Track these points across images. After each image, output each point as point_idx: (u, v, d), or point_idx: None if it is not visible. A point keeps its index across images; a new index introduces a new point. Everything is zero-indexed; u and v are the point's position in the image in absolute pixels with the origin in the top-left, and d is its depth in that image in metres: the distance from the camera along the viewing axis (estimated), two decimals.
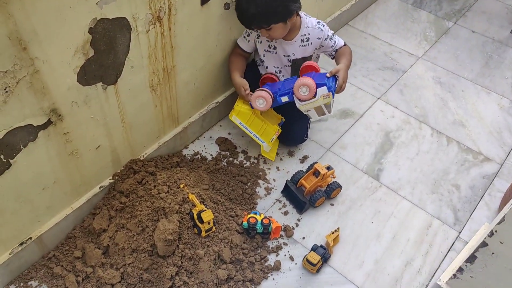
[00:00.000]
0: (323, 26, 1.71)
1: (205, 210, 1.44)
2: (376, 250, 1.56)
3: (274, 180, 1.75)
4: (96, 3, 1.16)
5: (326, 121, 1.98)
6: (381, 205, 1.69)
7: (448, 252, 1.57)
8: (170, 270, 1.38)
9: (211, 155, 1.81)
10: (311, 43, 1.71)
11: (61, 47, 1.14)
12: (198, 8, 1.48)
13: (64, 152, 1.33)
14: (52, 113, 1.22)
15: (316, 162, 1.70)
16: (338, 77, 1.63)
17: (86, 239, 1.48)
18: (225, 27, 1.67)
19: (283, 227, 1.59)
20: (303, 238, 1.57)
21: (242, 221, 1.53)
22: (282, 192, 1.71)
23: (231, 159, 1.81)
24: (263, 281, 1.45)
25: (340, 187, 1.68)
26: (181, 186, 1.50)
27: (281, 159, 1.82)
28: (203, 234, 1.45)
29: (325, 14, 2.33)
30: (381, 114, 2.04)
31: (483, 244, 1.16)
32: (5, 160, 1.17)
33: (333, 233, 1.56)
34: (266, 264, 1.49)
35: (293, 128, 1.81)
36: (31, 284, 1.39)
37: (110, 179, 1.57)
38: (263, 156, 1.77)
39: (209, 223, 1.44)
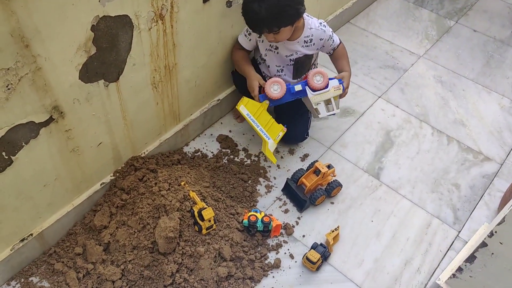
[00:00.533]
0: (325, 26, 1.71)
1: (206, 207, 1.44)
2: (376, 248, 1.57)
3: (274, 178, 1.75)
4: (99, 1, 1.16)
5: (327, 120, 1.98)
6: (381, 204, 1.70)
7: (447, 251, 1.57)
8: (170, 267, 1.38)
9: (212, 152, 1.82)
10: (314, 44, 1.71)
11: (63, 45, 1.14)
12: (200, 5, 1.48)
13: (65, 149, 1.34)
14: (54, 110, 1.22)
15: (316, 161, 1.70)
16: (343, 82, 1.68)
17: (87, 236, 1.49)
18: (227, 25, 1.67)
19: (283, 225, 1.60)
20: (303, 236, 1.58)
21: (243, 219, 1.53)
22: (282, 190, 1.71)
23: (232, 156, 1.81)
24: (263, 279, 1.46)
25: (340, 185, 1.68)
26: (182, 183, 1.51)
27: (281, 157, 1.83)
28: (204, 231, 1.45)
29: (327, 12, 2.33)
30: (382, 113, 2.04)
31: (483, 244, 1.17)
32: (6, 157, 1.17)
33: (333, 231, 1.56)
34: (266, 262, 1.50)
35: (294, 126, 1.81)
36: (32, 280, 1.39)
37: (111, 176, 1.58)
38: (264, 154, 1.76)
39: (209, 221, 1.44)
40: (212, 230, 1.48)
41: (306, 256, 1.47)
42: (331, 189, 1.66)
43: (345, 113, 2.03)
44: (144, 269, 1.39)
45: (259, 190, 1.70)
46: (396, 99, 2.12)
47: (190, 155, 1.79)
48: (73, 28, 1.14)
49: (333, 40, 1.75)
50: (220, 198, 1.58)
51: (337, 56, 1.78)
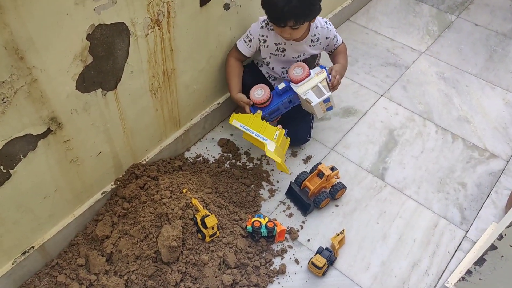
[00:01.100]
0: (330, 25, 1.69)
1: (209, 215, 1.42)
2: (382, 251, 1.55)
3: (277, 181, 1.73)
4: (94, 9, 1.13)
5: (330, 120, 1.95)
6: (387, 205, 1.68)
7: (455, 252, 1.55)
8: (174, 277, 1.36)
9: (214, 157, 1.79)
10: (320, 43, 1.69)
11: (59, 55, 1.12)
12: (198, 9, 1.46)
13: (64, 160, 1.32)
14: (52, 122, 1.20)
15: (320, 163, 1.67)
16: (327, 68, 1.66)
17: (89, 246, 1.47)
18: (225, 28, 1.64)
19: (287, 229, 1.58)
20: (308, 240, 1.56)
21: (246, 225, 1.51)
22: (286, 194, 1.69)
23: (233, 161, 1.79)
24: (269, 285, 1.44)
25: (344, 187, 1.66)
26: (184, 191, 1.48)
27: (284, 160, 1.80)
28: (207, 239, 1.43)
29: (327, 10, 2.30)
30: (384, 112, 2.02)
31: (492, 247, 1.15)
32: (5, 171, 1.15)
33: (338, 235, 1.54)
34: (272, 268, 1.48)
35: (296, 128, 1.78)
36: None
37: (112, 185, 1.56)
38: (268, 157, 1.74)
39: (213, 228, 1.42)
40: (216, 237, 1.46)
41: (312, 261, 1.45)
42: (335, 192, 1.64)
43: (347, 113, 2.00)
44: (148, 279, 1.37)
45: (262, 194, 1.68)
46: (399, 97, 2.09)
47: (191, 160, 1.77)
48: (69, 38, 1.12)
49: (337, 40, 1.73)
50: (223, 204, 1.56)
51: (336, 52, 1.76)
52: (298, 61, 1.72)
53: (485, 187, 1.75)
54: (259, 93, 1.64)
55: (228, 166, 1.77)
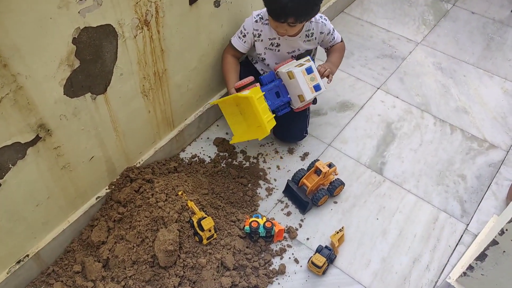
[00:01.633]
0: (326, 20, 1.66)
1: (205, 217, 1.40)
2: (383, 247, 1.53)
3: (275, 179, 1.71)
4: (78, 12, 1.10)
5: (326, 115, 1.92)
6: (386, 200, 1.65)
7: (456, 246, 1.53)
8: (172, 281, 1.34)
9: (209, 157, 1.77)
10: (315, 38, 1.66)
11: (44, 61, 1.09)
12: (187, 8, 1.43)
13: (56, 166, 1.29)
14: (40, 129, 1.18)
15: (317, 160, 1.65)
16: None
17: (85, 252, 1.45)
18: (217, 26, 1.61)
19: (286, 229, 1.56)
20: (307, 239, 1.54)
21: (244, 225, 1.49)
22: (283, 192, 1.66)
23: (230, 160, 1.76)
24: (268, 286, 1.42)
25: (343, 184, 1.64)
26: (180, 193, 1.46)
27: (281, 157, 1.78)
28: (205, 241, 1.41)
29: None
30: (381, 105, 1.99)
31: (494, 242, 1.12)
32: None
33: (337, 232, 1.52)
34: (271, 268, 1.46)
35: (292, 124, 1.76)
36: None
37: (106, 189, 1.53)
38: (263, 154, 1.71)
39: (210, 230, 1.40)
40: (213, 239, 1.44)
41: (311, 261, 1.43)
42: (334, 189, 1.62)
43: (343, 107, 1.97)
44: (146, 284, 1.35)
45: (259, 193, 1.66)
46: (396, 89, 2.06)
47: (187, 161, 1.75)
48: (54, 43, 1.09)
49: (334, 37, 1.70)
50: (220, 206, 1.54)
51: (332, 49, 1.73)
52: (293, 56, 1.69)
53: (485, 179, 1.73)
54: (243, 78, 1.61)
55: (224, 165, 1.74)
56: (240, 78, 1.70)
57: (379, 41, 2.30)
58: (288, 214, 1.61)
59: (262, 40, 1.65)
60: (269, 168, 1.74)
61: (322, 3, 1.51)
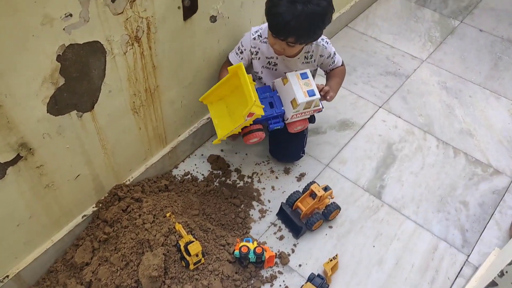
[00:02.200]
0: (327, 43, 1.60)
1: (193, 241, 1.34)
2: (379, 277, 1.46)
3: (269, 201, 1.65)
4: (63, 29, 1.06)
5: (325, 134, 1.86)
6: (383, 226, 1.59)
7: (456, 278, 1.46)
8: None
9: (203, 174, 1.72)
10: (314, 60, 1.60)
11: (26, 79, 1.04)
12: (181, 24, 1.38)
13: (38, 185, 1.24)
14: (21, 148, 1.13)
15: (313, 182, 1.59)
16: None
17: (68, 273, 1.40)
18: (213, 41, 1.56)
19: (277, 253, 1.50)
20: (300, 265, 1.48)
21: (234, 250, 1.43)
22: (277, 214, 1.61)
23: (223, 178, 1.71)
24: None
25: (339, 208, 1.58)
26: (168, 215, 1.41)
27: (276, 177, 1.72)
28: (191, 266, 1.36)
29: None
30: (383, 125, 1.93)
31: (493, 283, 1.06)
32: None
33: (331, 260, 1.46)
34: None
35: (289, 143, 1.70)
36: None
37: (93, 207, 1.48)
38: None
39: (197, 255, 1.35)
40: (201, 264, 1.38)
41: None
42: (329, 213, 1.55)
43: (343, 126, 1.91)
44: None
45: (252, 215, 1.60)
46: (398, 108, 2.00)
47: (179, 178, 1.69)
48: (36, 60, 1.04)
49: (334, 61, 1.64)
50: (210, 228, 1.48)
51: (332, 74, 1.68)
52: None
53: (488, 207, 1.66)
54: (255, 140, 1.56)
55: (217, 184, 1.69)
56: None
57: (383, 57, 2.24)
58: (281, 238, 1.55)
59: (259, 58, 1.60)
60: (264, 188, 1.68)
61: (325, 28, 1.45)
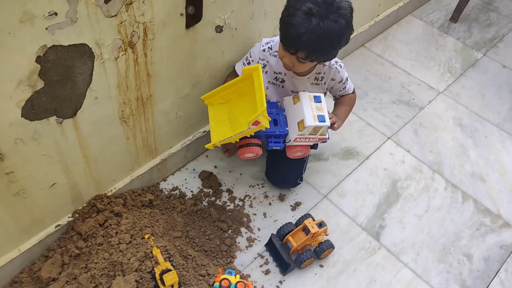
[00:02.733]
0: (341, 67, 1.48)
1: (170, 269, 1.23)
2: None
3: (258, 229, 1.53)
4: (46, 28, 0.94)
5: (327, 161, 1.74)
6: (379, 271, 1.47)
7: None
8: None
9: (192, 191, 1.60)
10: (324, 83, 1.49)
11: None
12: (183, 31, 1.26)
13: (7, 193, 1.14)
14: None
15: (307, 216, 1.47)
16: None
17: (33, 287, 1.29)
18: (216, 52, 1.45)
19: None
20: None
21: (214, 282, 1.32)
22: (265, 245, 1.49)
23: (213, 198, 1.59)
24: None
25: (332, 247, 1.46)
26: (146, 237, 1.29)
27: (270, 204, 1.60)
28: None
29: None
30: (389, 158, 1.80)
31: None
32: None
33: None
34: None
35: (286, 169, 1.59)
36: None
37: (69, 217, 1.38)
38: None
39: (172, 286, 1.23)
40: None
41: None
42: (321, 251, 1.44)
43: (347, 154, 1.79)
44: None
45: (239, 243, 1.49)
46: (408, 142, 1.87)
47: (166, 193, 1.58)
48: (11, 60, 0.93)
49: (345, 87, 1.52)
50: (190, 255, 1.36)
51: (341, 101, 1.56)
52: None
53: (494, 263, 1.53)
54: (249, 155, 1.44)
55: (206, 204, 1.57)
56: None
57: (398, 84, 2.12)
58: (267, 272, 1.43)
59: (266, 72, 1.48)
60: (255, 214, 1.56)
61: (341, 49, 1.33)
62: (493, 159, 1.85)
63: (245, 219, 1.55)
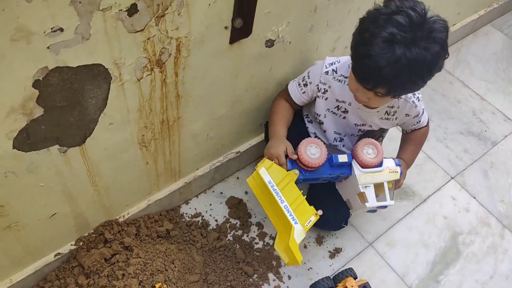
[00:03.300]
0: (418, 100, 1.19)
1: None
2: None
3: (289, 277, 1.31)
4: (48, 47, 0.72)
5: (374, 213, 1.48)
6: None
7: None
8: None
9: (216, 220, 1.38)
10: (396, 118, 1.21)
11: None
12: (225, 47, 1.01)
13: None
14: None
15: (349, 272, 1.23)
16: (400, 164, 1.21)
17: None
18: (264, 68, 1.19)
19: None
20: None
21: None
22: None
23: (240, 232, 1.37)
24: None
25: None
26: (157, 286, 1.09)
27: (305, 247, 1.37)
28: None
29: None
30: (451, 204, 1.52)
31: None
32: None
33: None
34: None
35: (332, 210, 1.32)
36: None
37: (71, 245, 1.19)
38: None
39: None
40: None
41: None
42: None
43: (401, 194, 1.53)
44: None
45: None
46: (475, 185, 1.58)
47: (187, 219, 1.37)
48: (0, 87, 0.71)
49: (420, 121, 1.24)
50: None
51: (411, 138, 1.29)
52: (360, 130, 1.25)
53: None
54: (314, 152, 1.14)
55: (231, 239, 1.36)
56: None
57: (469, 110, 1.80)
58: None
59: (326, 99, 1.21)
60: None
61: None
62: None
63: (274, 263, 1.33)
